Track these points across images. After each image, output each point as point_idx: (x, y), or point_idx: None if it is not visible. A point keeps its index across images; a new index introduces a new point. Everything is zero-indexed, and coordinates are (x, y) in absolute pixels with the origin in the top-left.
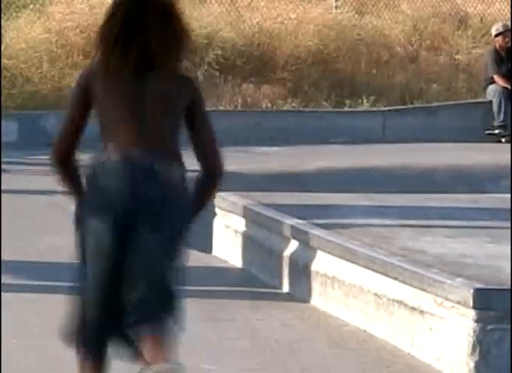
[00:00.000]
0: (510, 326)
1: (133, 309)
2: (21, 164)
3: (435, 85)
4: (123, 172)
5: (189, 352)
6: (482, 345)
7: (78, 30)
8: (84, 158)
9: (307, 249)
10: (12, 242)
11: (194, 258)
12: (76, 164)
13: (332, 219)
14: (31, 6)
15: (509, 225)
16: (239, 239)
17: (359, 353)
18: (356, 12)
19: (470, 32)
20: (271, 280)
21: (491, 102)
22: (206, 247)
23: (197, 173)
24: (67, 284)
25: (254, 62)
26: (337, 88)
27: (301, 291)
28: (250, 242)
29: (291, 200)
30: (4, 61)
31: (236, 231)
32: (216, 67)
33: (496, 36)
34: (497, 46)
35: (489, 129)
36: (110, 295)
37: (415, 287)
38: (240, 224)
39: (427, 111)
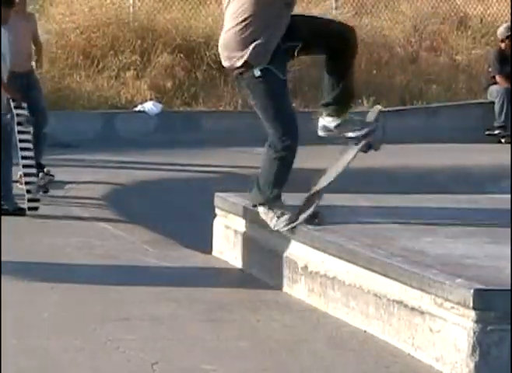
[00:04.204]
0: (510, 327)
1: None
2: None
3: (435, 86)
4: None
5: (189, 352)
6: (482, 346)
7: (78, 31)
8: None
9: (307, 249)
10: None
11: (194, 258)
12: None
13: (332, 219)
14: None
15: (509, 225)
16: (239, 240)
17: (358, 353)
18: (356, 13)
19: (470, 32)
20: (271, 280)
21: (492, 102)
22: (206, 248)
23: None
24: (66, 284)
25: None
26: None
27: (301, 292)
28: (250, 243)
29: (291, 200)
30: None
31: (236, 232)
32: (215, 66)
33: (503, 40)
34: (503, 46)
35: (489, 129)
36: None
37: (415, 287)
38: (240, 224)
39: (427, 112)
